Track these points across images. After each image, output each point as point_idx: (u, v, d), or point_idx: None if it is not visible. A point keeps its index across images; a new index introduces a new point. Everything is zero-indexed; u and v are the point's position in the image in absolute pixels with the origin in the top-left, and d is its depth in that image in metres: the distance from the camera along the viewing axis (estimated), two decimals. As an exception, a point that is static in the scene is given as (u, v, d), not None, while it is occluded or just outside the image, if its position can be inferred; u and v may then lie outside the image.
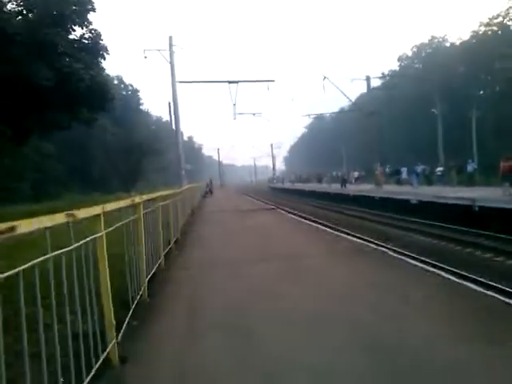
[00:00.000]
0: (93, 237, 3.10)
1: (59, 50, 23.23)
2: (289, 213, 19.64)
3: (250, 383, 3.04)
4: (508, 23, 47.99)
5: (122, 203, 4.22)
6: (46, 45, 22.54)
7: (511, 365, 3.13)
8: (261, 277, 6.24)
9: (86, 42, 25.95)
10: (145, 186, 50.05)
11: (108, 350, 3.18)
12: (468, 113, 42.38)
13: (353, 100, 42.19)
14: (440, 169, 32.57)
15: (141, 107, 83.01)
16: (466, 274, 8.77)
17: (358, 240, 10.11)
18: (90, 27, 25.78)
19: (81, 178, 48.17)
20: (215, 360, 3.38)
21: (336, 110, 65.75)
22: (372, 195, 26.99)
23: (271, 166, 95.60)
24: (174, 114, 26.21)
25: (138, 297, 4.70)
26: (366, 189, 31.26)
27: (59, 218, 2.39)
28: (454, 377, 2.99)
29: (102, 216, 3.27)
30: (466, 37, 54.12)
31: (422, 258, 9.99)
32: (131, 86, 78.94)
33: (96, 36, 26.02)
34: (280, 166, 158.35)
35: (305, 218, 17.08)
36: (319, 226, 13.51)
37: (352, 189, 34.48)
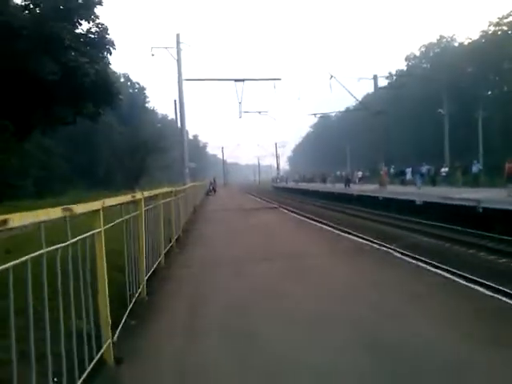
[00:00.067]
0: (91, 233, 3.03)
1: (65, 44, 23.15)
2: (292, 212, 19.58)
3: (252, 384, 2.98)
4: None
5: (122, 199, 4.16)
6: (52, 39, 22.50)
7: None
8: (263, 276, 6.20)
9: (93, 36, 25.85)
10: (149, 184, 50.06)
11: (103, 350, 3.06)
12: (475, 113, 42.05)
13: (359, 99, 42.02)
14: (445, 169, 32.41)
15: (147, 105, 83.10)
16: (470, 276, 8.66)
17: (361, 240, 10.05)
18: (97, 21, 25.71)
19: (86, 176, 48.16)
20: (216, 360, 3.32)
21: (342, 109, 65.60)
22: (376, 195, 26.88)
23: (275, 166, 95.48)
24: (180, 112, 26.21)
25: (137, 295, 4.62)
26: (370, 189, 31.12)
27: (55, 213, 2.32)
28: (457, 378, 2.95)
29: (101, 211, 3.21)
30: (475, 36, 53.79)
31: (425, 259, 9.89)
32: (138, 83, 79.06)
33: (102, 30, 25.92)
34: (284, 165, 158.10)
35: (308, 218, 16.99)
36: (322, 225, 13.45)
37: (356, 189, 34.35)
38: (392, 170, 39.72)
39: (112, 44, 26.58)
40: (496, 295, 4.98)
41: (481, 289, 5.36)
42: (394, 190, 27.23)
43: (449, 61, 52.55)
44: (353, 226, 17.78)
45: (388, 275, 6.04)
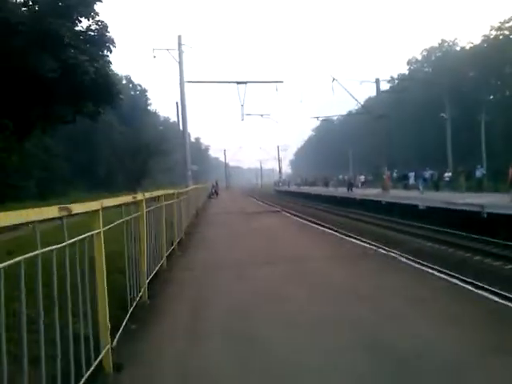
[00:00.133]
0: (90, 233, 2.92)
1: (65, 42, 22.87)
2: (294, 216, 19.47)
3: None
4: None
5: (122, 199, 4.06)
6: (50, 36, 22.26)
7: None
8: (266, 279, 6.15)
9: (92, 33, 25.56)
10: (151, 186, 50.05)
11: (101, 356, 2.93)
12: (477, 117, 41.93)
13: (361, 103, 41.96)
14: (448, 174, 32.24)
15: (149, 107, 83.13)
16: (475, 282, 8.53)
17: (364, 244, 9.95)
18: (97, 18, 25.35)
19: (87, 177, 48.20)
20: (219, 364, 3.24)
21: (344, 112, 65.66)
22: (379, 200, 26.75)
23: (277, 169, 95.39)
24: (182, 114, 26.17)
25: (138, 298, 4.51)
26: (373, 193, 31.00)
27: (52, 212, 2.22)
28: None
29: (100, 212, 3.10)
30: (477, 41, 53.84)
31: (429, 264, 9.75)
32: (139, 86, 79.12)
33: (102, 28, 25.59)
34: (286, 169, 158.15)
35: (310, 222, 16.88)
36: (325, 229, 13.35)
37: (358, 193, 34.24)
38: (395, 175, 39.58)
39: (112, 42, 26.15)
40: (502, 301, 4.88)
41: (486, 294, 5.27)
42: (397, 195, 27.10)
43: (450, 65, 52.58)
44: (356, 230, 17.67)
45: (391, 279, 5.96)
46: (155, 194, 6.50)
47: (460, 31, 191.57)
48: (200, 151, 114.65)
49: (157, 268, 6.07)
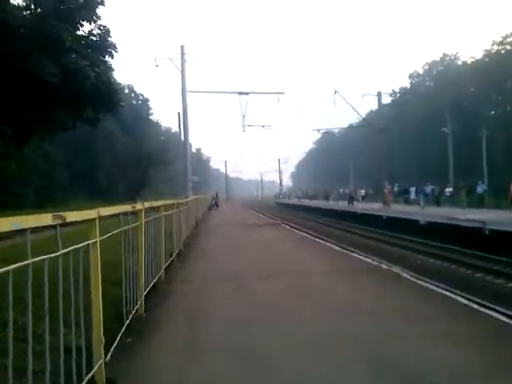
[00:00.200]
0: (85, 243, 2.82)
1: (66, 46, 22.72)
2: (295, 229, 19.32)
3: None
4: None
5: (120, 208, 3.96)
6: (52, 39, 22.12)
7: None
8: (266, 292, 6.06)
9: (94, 38, 25.37)
10: (152, 196, 49.95)
11: (94, 370, 2.80)
12: (478, 132, 41.94)
13: (363, 116, 42.04)
14: (449, 189, 32.13)
15: (151, 117, 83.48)
16: (478, 300, 8.38)
17: (365, 259, 9.80)
18: (99, 22, 25.21)
19: (87, 186, 48.11)
20: (217, 382, 3.15)
21: (345, 125, 65.80)
22: (379, 214, 26.60)
23: (278, 182, 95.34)
24: (184, 123, 26.13)
25: (134, 311, 4.38)
26: (374, 207, 30.85)
27: (45, 220, 2.12)
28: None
29: (97, 221, 3.00)
30: (479, 55, 54.17)
31: (431, 281, 9.60)
32: (142, 95, 79.56)
33: (105, 33, 25.45)
34: (287, 181, 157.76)
35: (311, 235, 16.72)
36: (326, 243, 13.22)
37: (359, 207, 34.08)
38: (396, 189, 39.45)
39: (114, 47, 25.94)
40: (503, 318, 4.81)
41: (489, 312, 5.17)
42: (398, 209, 26.96)
43: (452, 79, 52.80)
44: (356, 244, 17.50)
45: (393, 296, 5.86)
46: (154, 204, 6.40)
47: (462, 45, 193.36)
48: (201, 162, 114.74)
49: (155, 280, 5.95)
